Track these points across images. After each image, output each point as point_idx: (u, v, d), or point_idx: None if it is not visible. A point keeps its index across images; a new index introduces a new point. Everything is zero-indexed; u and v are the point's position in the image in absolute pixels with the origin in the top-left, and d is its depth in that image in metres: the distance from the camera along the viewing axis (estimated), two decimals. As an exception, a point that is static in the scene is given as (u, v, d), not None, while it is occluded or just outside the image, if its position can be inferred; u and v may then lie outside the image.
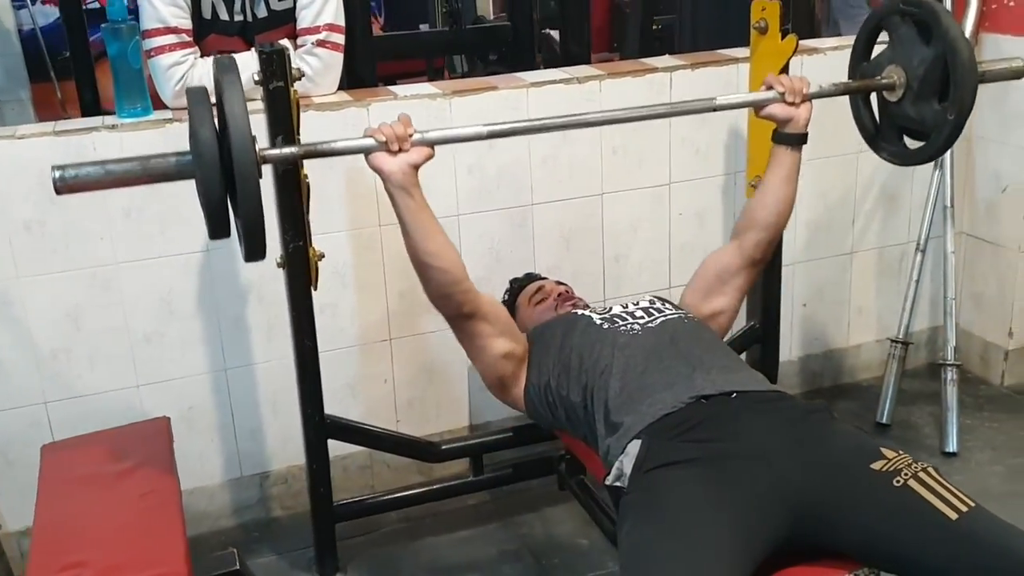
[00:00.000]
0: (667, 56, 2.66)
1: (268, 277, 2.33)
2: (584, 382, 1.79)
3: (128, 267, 2.23)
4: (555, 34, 3.20)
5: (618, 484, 1.56)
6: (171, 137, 2.17)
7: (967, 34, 2.80)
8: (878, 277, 3.03)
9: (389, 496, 2.34)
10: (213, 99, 1.43)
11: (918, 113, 1.85)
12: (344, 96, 2.34)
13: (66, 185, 1.39)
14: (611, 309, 1.96)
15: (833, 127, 2.72)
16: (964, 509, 1.43)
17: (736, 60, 2.62)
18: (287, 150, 1.64)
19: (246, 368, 2.40)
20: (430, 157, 1.68)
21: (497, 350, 1.89)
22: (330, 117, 2.28)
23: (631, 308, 1.94)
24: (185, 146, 1.44)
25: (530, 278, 2.30)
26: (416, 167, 1.67)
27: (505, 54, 3.94)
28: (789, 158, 1.92)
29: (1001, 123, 2.85)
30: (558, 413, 1.86)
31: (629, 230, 2.64)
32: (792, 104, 1.85)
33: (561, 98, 2.46)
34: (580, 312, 1.98)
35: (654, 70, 2.54)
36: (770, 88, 1.88)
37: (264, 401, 2.45)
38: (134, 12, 2.20)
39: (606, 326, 1.87)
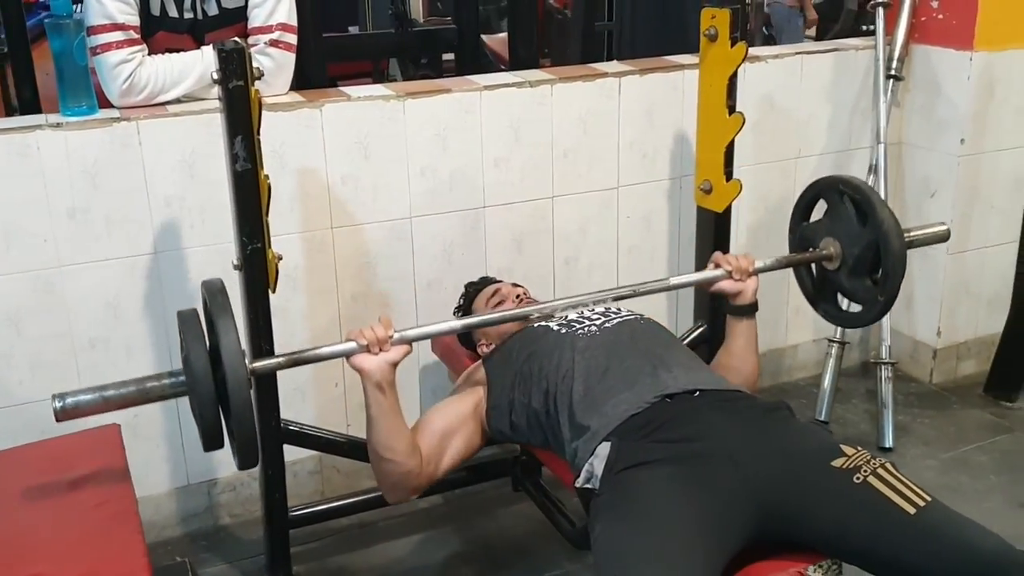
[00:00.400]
0: (615, 62, 2.70)
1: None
2: (545, 387, 1.81)
3: (72, 270, 2.17)
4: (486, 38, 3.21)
5: (589, 486, 1.58)
6: (119, 137, 2.12)
7: (898, 46, 2.91)
8: (814, 279, 3.11)
9: (345, 500, 2.32)
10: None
11: (852, 286, 2.00)
12: (296, 97, 2.32)
13: (65, 414, 1.50)
14: (567, 317, 1.98)
15: (772, 134, 2.81)
16: (921, 504, 1.49)
17: (682, 67, 2.68)
18: (273, 361, 1.69)
19: (194, 373, 2.35)
20: (408, 353, 1.73)
21: (459, 454, 1.91)
22: (283, 118, 2.25)
23: (587, 313, 1.97)
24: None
25: (485, 281, 2.30)
26: (395, 365, 1.70)
27: (434, 59, 3.96)
28: (745, 328, 2.00)
29: (929, 131, 2.96)
30: (519, 423, 1.87)
31: (579, 233, 2.67)
32: (739, 280, 1.94)
33: (513, 101, 2.48)
34: (537, 325, 1.99)
35: (604, 75, 2.57)
36: (718, 266, 1.97)
37: (212, 407, 2.39)
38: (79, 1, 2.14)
39: (563, 331, 1.89)
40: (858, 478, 1.52)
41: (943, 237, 2.12)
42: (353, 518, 2.42)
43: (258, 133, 1.82)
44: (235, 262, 1.95)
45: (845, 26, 5.36)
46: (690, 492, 1.49)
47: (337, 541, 2.41)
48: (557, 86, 2.51)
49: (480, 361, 2.04)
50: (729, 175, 2.36)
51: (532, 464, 2.33)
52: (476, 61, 2.95)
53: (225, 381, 1.46)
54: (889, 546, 1.47)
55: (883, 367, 2.84)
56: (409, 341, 1.73)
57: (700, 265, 2.56)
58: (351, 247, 2.43)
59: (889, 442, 2.76)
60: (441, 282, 2.54)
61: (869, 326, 2.95)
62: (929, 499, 1.50)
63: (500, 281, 2.31)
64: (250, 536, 2.41)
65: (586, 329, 1.87)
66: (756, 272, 1.99)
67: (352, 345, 1.70)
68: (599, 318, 1.92)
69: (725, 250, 2.48)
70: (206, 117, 2.18)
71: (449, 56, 4.26)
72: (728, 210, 2.42)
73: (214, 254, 2.25)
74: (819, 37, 5.45)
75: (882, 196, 2.92)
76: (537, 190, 2.57)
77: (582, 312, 1.97)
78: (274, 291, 2.00)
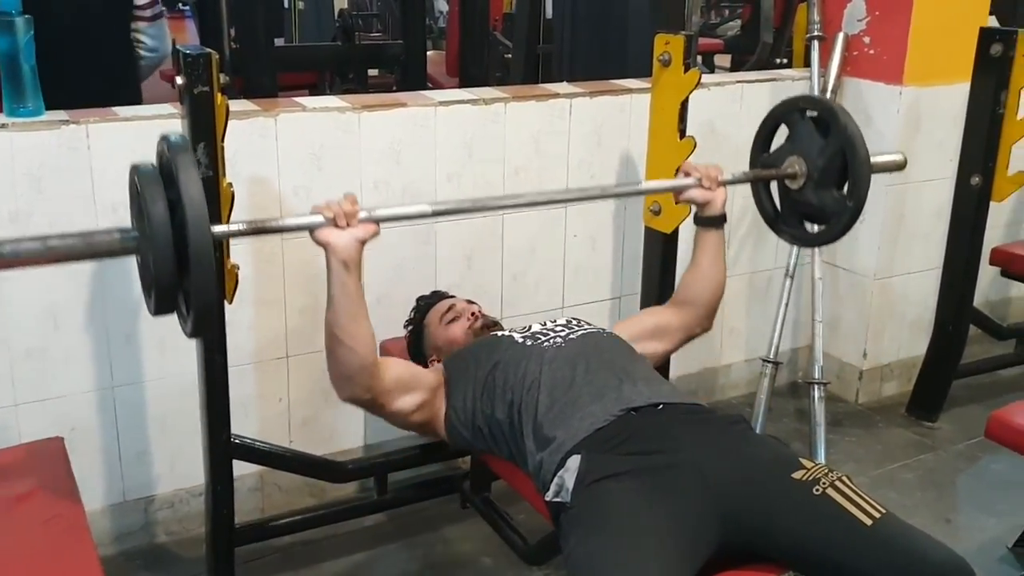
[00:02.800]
0: (566, 83, 2.74)
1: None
2: (510, 399, 1.81)
3: (10, 277, 2.08)
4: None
5: (559, 499, 1.59)
6: (66, 140, 2.05)
7: (832, 78, 3.03)
8: (748, 300, 3.20)
9: (293, 517, 2.28)
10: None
11: (819, 200, 1.99)
12: (250, 105, 2.28)
13: (4, 261, 1.33)
14: (530, 327, 1.99)
15: (712, 159, 2.84)
16: (877, 515, 1.54)
17: (630, 90, 2.73)
18: (234, 227, 1.58)
19: (135, 386, 2.28)
20: (376, 234, 1.67)
21: (404, 410, 1.87)
22: (237, 126, 2.19)
23: (550, 325, 1.99)
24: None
25: (438, 296, 2.30)
26: (362, 243, 1.65)
27: (361, 75, 3.94)
28: (714, 238, 2.05)
29: (860, 160, 3.08)
30: (482, 433, 1.87)
31: (527, 250, 2.69)
32: (708, 189, 1.96)
33: (468, 118, 2.49)
34: (501, 334, 2.00)
35: (556, 96, 2.61)
36: (687, 175, 1.99)
37: (153, 421, 2.33)
38: None
39: (529, 343, 1.90)
40: (817, 490, 1.57)
41: (900, 165, 2.10)
42: (296, 536, 2.38)
43: (222, 140, 1.79)
44: (191, 271, 1.90)
45: (761, 58, 5.54)
46: (660, 503, 1.51)
47: (281, 560, 2.35)
48: (511, 104, 2.54)
49: (439, 363, 2.03)
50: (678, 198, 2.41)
51: (481, 480, 2.33)
52: (424, 77, 2.95)
53: (185, 235, 1.31)
54: (846, 556, 1.52)
55: (815, 387, 2.93)
56: (377, 220, 1.65)
57: (646, 286, 2.63)
58: (301, 259, 2.39)
59: (821, 459, 2.84)
60: (391, 297, 2.51)
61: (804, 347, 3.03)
62: (884, 511, 1.55)
63: (453, 296, 2.31)
64: (188, 555, 2.34)
65: (551, 341, 1.89)
66: (724, 183, 2.00)
67: (319, 218, 1.61)
68: (563, 330, 1.94)
69: (672, 271, 2.55)
70: (159, 123, 2.13)
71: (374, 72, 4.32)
72: (676, 231, 2.47)
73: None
74: (734, 69, 5.60)
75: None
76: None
77: (545, 324, 1.99)
78: (230, 302, 1.96)
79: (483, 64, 2.76)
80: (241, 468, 2.31)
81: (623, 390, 1.73)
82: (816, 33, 3.05)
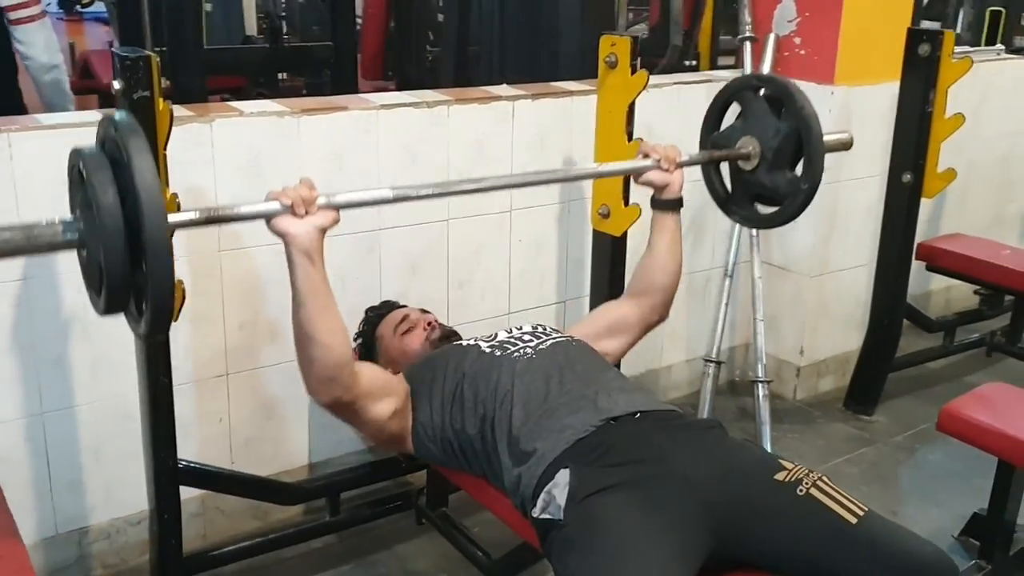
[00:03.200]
0: (506, 86, 2.69)
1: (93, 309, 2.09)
2: (482, 413, 1.75)
3: (-75, 299, 1.92)
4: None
5: (548, 516, 1.53)
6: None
7: (765, 78, 3.06)
8: (687, 301, 3.21)
9: (245, 543, 2.17)
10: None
11: (772, 181, 1.97)
12: (184, 111, 2.16)
13: None
14: (496, 336, 1.93)
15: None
16: (860, 513, 1.54)
17: (571, 93, 2.70)
18: (187, 216, 1.45)
19: (66, 411, 2.13)
20: (336, 221, 1.57)
21: (383, 416, 1.79)
22: (172, 133, 2.08)
23: (516, 333, 1.93)
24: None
25: (389, 306, 2.22)
26: (323, 231, 1.56)
27: (272, 80, 3.81)
28: (671, 222, 2.01)
29: (793, 160, 3.12)
30: (452, 448, 1.80)
31: (472, 257, 2.63)
32: (667, 171, 1.93)
33: (410, 121, 2.42)
34: (465, 343, 1.93)
35: (498, 98, 2.56)
36: (646, 156, 1.95)
37: (86, 448, 2.18)
38: None
39: (498, 353, 1.84)
40: (801, 490, 1.56)
41: (847, 144, 2.09)
42: (242, 563, 2.26)
43: (164, 148, 1.68)
44: (133, 288, 1.78)
45: (671, 62, 5.60)
46: (654, 515, 1.48)
47: (228, 587, 2.24)
48: (453, 107, 2.48)
49: (399, 374, 1.95)
50: (627, 200, 2.39)
51: (438, 495, 2.26)
52: (355, 79, 2.86)
53: (139, 224, 1.18)
54: (834, 556, 1.51)
55: (759, 385, 2.95)
56: (336, 207, 1.55)
57: (595, 288, 2.59)
58: (239, 272, 2.28)
59: (768, 457, 2.86)
60: (334, 308, 2.43)
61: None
62: (866, 509, 1.56)
63: (405, 306, 2.23)
64: (127, 589, 2.21)
65: (521, 351, 1.83)
66: (681, 165, 1.97)
67: (275, 205, 1.51)
68: (531, 339, 1.89)
69: (621, 274, 2.52)
70: (85, 131, 1.99)
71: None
72: (625, 234, 2.45)
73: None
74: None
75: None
76: (433, 213, 2.52)
77: (511, 332, 1.93)
78: (176, 320, 1.84)
79: (423, 64, 2.68)
80: (183, 493, 2.20)
81: (599, 400, 1.69)
82: (748, 34, 3.08)
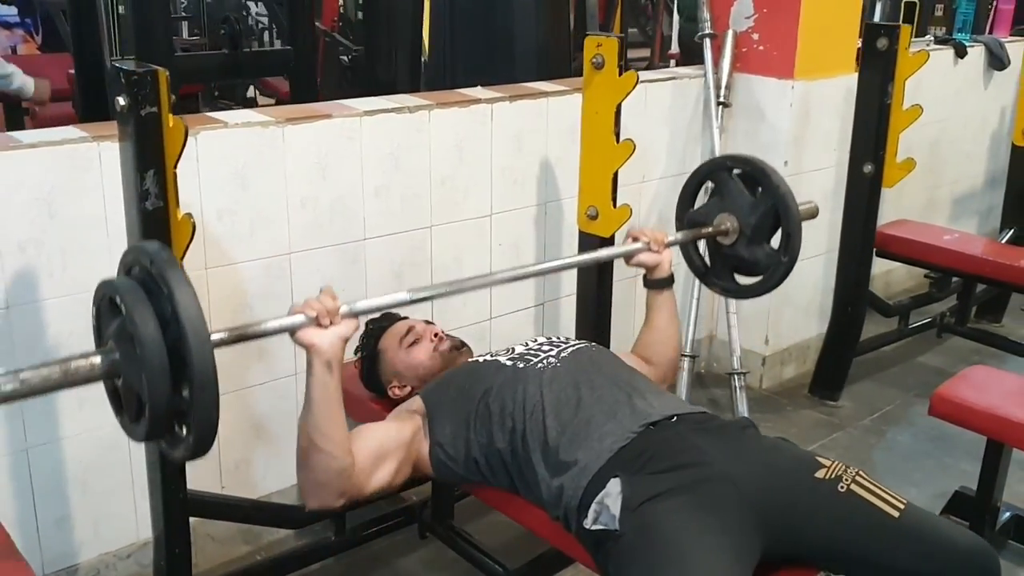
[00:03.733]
0: (482, 88, 2.65)
1: (79, 334, 1.98)
2: (511, 426, 1.72)
3: (-101, 334, 1.79)
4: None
5: (602, 526, 1.51)
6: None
7: (725, 75, 3.10)
8: (655, 297, 3.23)
9: (247, 570, 2.08)
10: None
11: (751, 255, 2.06)
12: (167, 123, 2.06)
13: None
14: (513, 349, 1.90)
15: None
16: (901, 507, 1.57)
17: (547, 94, 2.69)
18: (217, 336, 1.41)
19: (51, 445, 2.02)
20: (357, 328, 1.59)
21: (386, 482, 1.76)
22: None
23: (533, 345, 1.90)
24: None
25: (390, 318, 2.16)
26: (346, 341, 1.55)
27: (208, 89, 3.67)
28: (666, 299, 2.07)
29: (754, 154, 3.16)
30: (477, 465, 1.77)
31: (454, 263, 2.59)
32: (656, 252, 2.00)
33: (393, 127, 2.36)
34: (483, 359, 1.90)
35: (477, 101, 2.53)
36: (635, 240, 2.01)
37: (73, 481, 2.07)
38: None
39: (521, 365, 1.81)
40: (842, 487, 1.58)
41: (813, 213, 2.16)
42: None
43: (175, 166, 1.60)
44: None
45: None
46: (708, 519, 1.48)
47: (229, 617, 2.15)
48: (434, 112, 2.43)
49: (415, 396, 1.90)
50: (615, 201, 2.39)
51: (444, 507, 2.22)
52: (315, 84, 2.78)
53: (182, 354, 1.19)
54: (879, 550, 1.54)
55: (736, 377, 3.00)
56: (357, 314, 1.57)
57: (581, 292, 2.59)
58: (227, 288, 2.20)
59: (747, 448, 2.91)
60: (321, 321, 2.36)
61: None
62: (905, 502, 1.59)
63: (406, 318, 2.18)
64: (121, 627, 2.11)
65: (544, 361, 1.81)
66: (669, 244, 2.05)
67: (300, 318, 1.51)
68: (550, 348, 1.86)
69: (609, 276, 2.52)
70: (67, 149, 1.89)
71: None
72: (613, 235, 2.45)
73: (78, 305, 1.95)
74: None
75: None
76: (416, 220, 2.47)
77: (528, 345, 1.90)
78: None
79: (393, 69, 2.62)
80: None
81: (635, 405, 1.68)
82: (707, 31, 3.11)
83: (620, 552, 1.48)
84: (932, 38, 4.11)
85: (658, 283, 2.05)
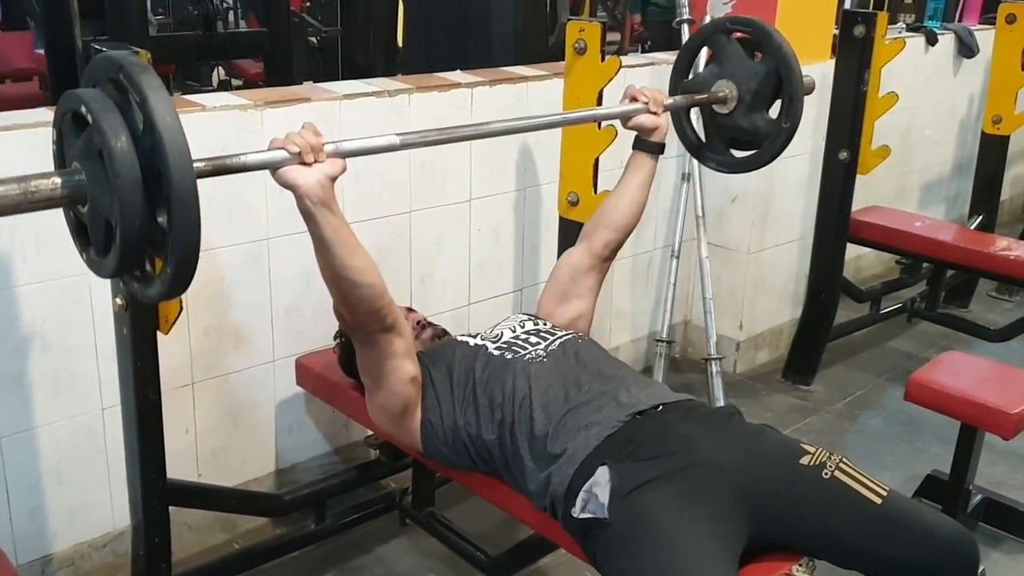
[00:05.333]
0: (462, 71, 2.63)
1: (54, 322, 1.96)
2: (500, 418, 1.71)
3: None
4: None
5: (591, 514, 1.51)
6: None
7: (702, 61, 3.09)
8: (632, 282, 3.24)
9: (226, 558, 2.07)
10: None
11: (750, 124, 1.98)
12: (142, 106, 2.01)
13: None
14: (501, 335, 1.89)
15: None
16: (884, 493, 1.58)
17: (527, 78, 2.67)
18: (196, 165, 1.24)
19: (25, 434, 1.98)
20: (344, 170, 1.49)
21: (407, 372, 1.75)
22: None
23: (521, 333, 1.89)
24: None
25: (370, 304, 2.14)
26: (333, 180, 1.47)
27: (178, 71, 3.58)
28: (649, 165, 2.01)
29: (730, 140, 3.18)
30: (467, 452, 1.76)
31: (434, 248, 2.57)
32: (655, 114, 1.93)
33: (373, 110, 2.34)
34: (472, 343, 1.88)
35: (458, 85, 2.50)
36: (634, 100, 1.94)
37: (47, 471, 2.03)
38: None
39: (509, 356, 1.80)
40: (826, 474, 1.59)
41: (811, 87, 2.05)
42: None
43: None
44: (120, 301, 1.66)
45: (559, 39, 5.60)
46: (697, 506, 1.48)
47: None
48: (414, 96, 2.40)
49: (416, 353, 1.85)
50: (596, 187, 2.39)
51: (424, 494, 2.21)
52: (291, 67, 2.74)
53: (161, 169, 1.08)
54: (863, 538, 1.55)
55: (712, 362, 3.01)
56: (344, 155, 1.47)
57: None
58: (203, 275, 2.10)
59: (723, 433, 2.93)
60: (299, 308, 2.34)
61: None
62: (888, 489, 1.60)
63: (387, 303, 2.15)
64: (98, 616, 2.08)
65: (532, 353, 1.79)
66: (667, 108, 1.97)
67: (283, 154, 1.41)
68: (537, 340, 1.85)
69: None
70: (42, 131, 1.84)
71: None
72: (593, 220, 2.44)
73: (54, 291, 1.92)
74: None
75: (697, 203, 3.12)
76: (396, 205, 2.45)
77: (516, 332, 1.89)
78: (166, 333, 1.73)
79: (371, 52, 2.58)
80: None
81: (620, 396, 1.68)
82: (685, 16, 3.11)
83: (609, 540, 1.48)
84: (903, 26, 4.14)
85: (649, 146, 1.98)
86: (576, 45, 2.29)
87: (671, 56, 3.15)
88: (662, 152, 2.02)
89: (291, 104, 2.20)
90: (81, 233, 1.21)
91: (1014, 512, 2.43)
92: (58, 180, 1.13)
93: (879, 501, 1.57)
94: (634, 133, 2.01)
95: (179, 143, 1.10)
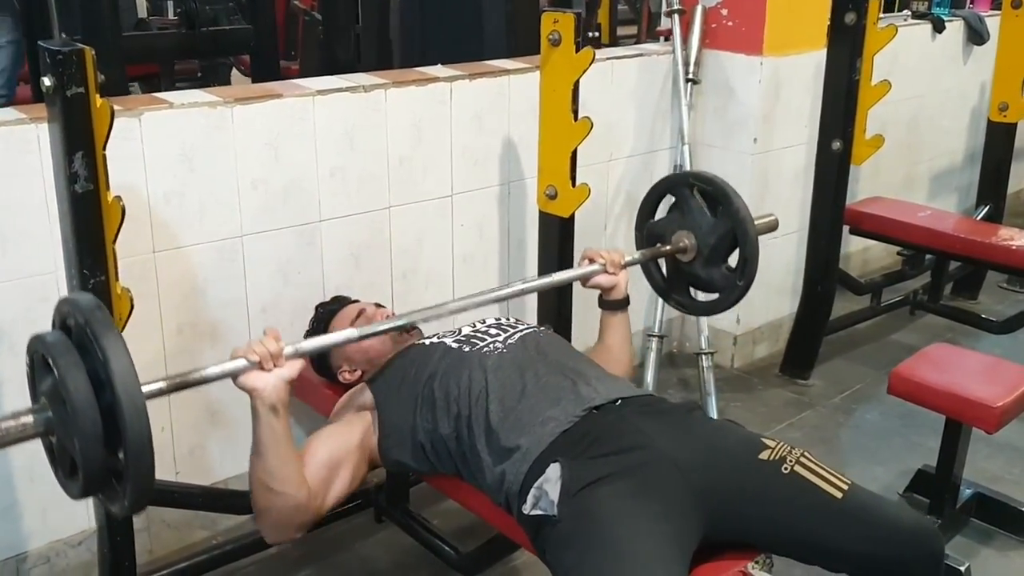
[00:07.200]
0: (442, 66, 2.61)
1: (22, 321, 1.96)
2: (456, 411, 1.69)
3: None
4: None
5: (541, 512, 1.49)
6: None
7: (694, 51, 3.06)
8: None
9: (198, 557, 2.06)
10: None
11: (708, 275, 2.05)
12: (109, 104, 2.02)
13: None
14: (460, 330, 1.87)
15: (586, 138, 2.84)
16: (844, 487, 1.55)
17: (507, 71, 2.65)
18: (154, 387, 1.39)
19: (-4, 433, 1.99)
20: (303, 368, 1.56)
21: (344, 490, 1.74)
22: (98, 129, 1.95)
23: (481, 327, 1.87)
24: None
25: (341, 302, 2.14)
26: (290, 383, 1.52)
27: (167, 68, 3.57)
28: (621, 321, 2.04)
29: (723, 132, 3.14)
30: (423, 451, 1.74)
31: (415, 244, 2.56)
32: (612, 274, 1.96)
33: (348, 106, 2.33)
34: (428, 342, 1.86)
35: (436, 80, 2.49)
36: (591, 261, 1.97)
37: (18, 470, 2.05)
38: None
39: (467, 349, 1.79)
40: (786, 468, 1.56)
41: (773, 226, 2.19)
42: None
43: (104, 148, 1.56)
44: (74, 299, 1.65)
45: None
46: (648, 503, 1.45)
47: (184, 604, 2.13)
48: (391, 91, 2.39)
49: (363, 384, 1.88)
50: (574, 180, 2.36)
51: (398, 491, 2.20)
52: (277, 63, 2.74)
53: (115, 409, 1.18)
54: (823, 533, 1.52)
55: (703, 356, 2.97)
56: (304, 355, 1.55)
57: (543, 270, 2.56)
58: (176, 273, 2.16)
59: (715, 428, 2.89)
60: (277, 305, 2.33)
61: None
62: (849, 483, 1.57)
63: (357, 301, 2.15)
64: (73, 614, 2.09)
65: (491, 346, 1.78)
66: (625, 265, 2.01)
67: (242, 363, 1.50)
68: (498, 332, 1.83)
69: (570, 255, 2.49)
70: (4, 131, 1.85)
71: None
72: (573, 215, 2.42)
73: (17, 291, 1.93)
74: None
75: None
76: (374, 201, 2.44)
77: (475, 327, 1.88)
78: (122, 330, 1.72)
79: (349, 48, 2.57)
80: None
81: (579, 390, 1.66)
82: (675, 7, 3.06)
83: (557, 538, 1.46)
84: (910, 12, 4.06)
85: (614, 304, 2.02)
86: (551, 36, 2.26)
87: (660, 47, 3.13)
88: (627, 305, 2.04)
89: (262, 100, 2.19)
90: (52, 453, 1.31)
91: (1006, 507, 2.38)
92: (29, 420, 1.24)
93: (840, 495, 1.54)
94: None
95: (135, 401, 1.18)
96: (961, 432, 2.21)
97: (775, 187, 3.22)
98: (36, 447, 2.01)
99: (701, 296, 2.16)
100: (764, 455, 1.58)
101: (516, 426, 1.62)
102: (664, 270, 2.18)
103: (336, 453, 1.75)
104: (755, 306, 3.32)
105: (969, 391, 2.11)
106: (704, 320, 3.03)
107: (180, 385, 1.44)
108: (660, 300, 3.09)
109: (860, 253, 4.08)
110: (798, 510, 1.53)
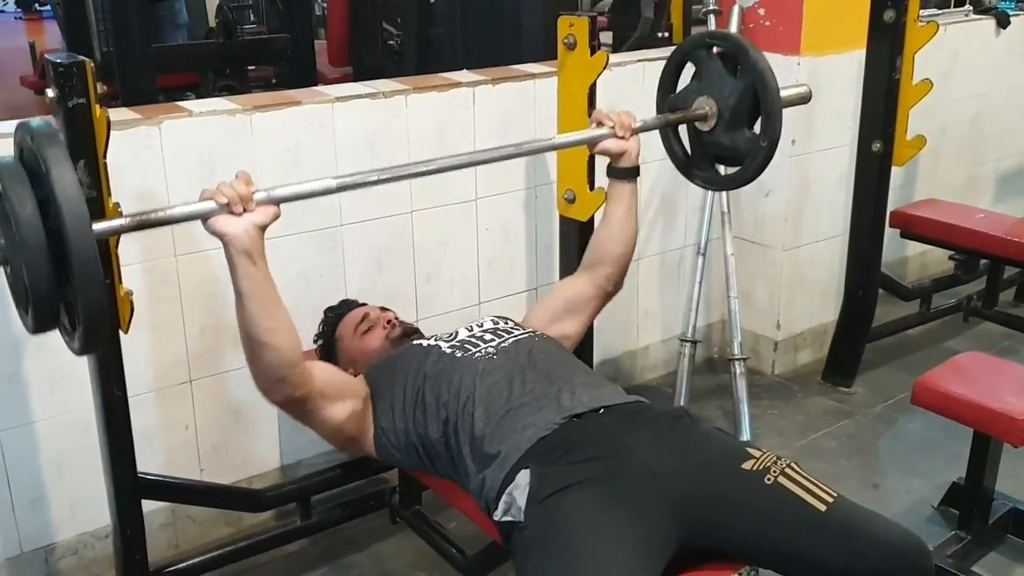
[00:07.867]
0: (466, 71, 2.63)
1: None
2: (444, 416, 1.70)
3: None
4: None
5: (509, 518, 1.49)
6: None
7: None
8: (660, 280, 3.17)
9: (211, 553, 2.12)
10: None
11: (731, 141, 1.92)
12: (130, 114, 2.10)
13: None
14: (456, 334, 1.89)
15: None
16: (830, 500, 1.51)
17: (533, 75, 2.65)
18: (116, 223, 1.38)
19: (24, 428, 2.08)
20: (277, 216, 1.51)
21: (338, 418, 1.74)
22: (117, 137, 1.98)
23: (477, 332, 1.88)
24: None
25: (347, 306, 2.17)
26: (263, 228, 1.49)
27: (240, 72, 3.67)
28: (627, 191, 1.96)
29: (762, 133, 3.08)
30: (417, 452, 1.76)
31: (439, 248, 2.58)
32: (622, 138, 1.88)
33: (368, 113, 2.36)
34: (425, 344, 1.88)
35: (458, 85, 2.50)
36: (600, 124, 1.89)
37: (47, 464, 2.14)
38: None
39: (459, 354, 1.79)
40: (769, 479, 1.52)
41: (806, 97, 2.04)
42: (216, 572, 2.22)
43: (104, 156, 1.63)
44: (80, 302, 1.72)
45: (643, 34, 5.49)
46: (617, 511, 1.44)
47: (201, 598, 2.20)
48: (411, 96, 2.42)
49: (360, 376, 1.90)
50: (592, 184, 2.35)
51: (411, 493, 2.23)
52: (313, 70, 2.79)
53: (63, 237, 1.13)
54: (804, 545, 1.48)
55: (735, 363, 2.92)
56: (276, 201, 1.49)
57: (563, 275, 2.54)
58: (198, 276, 2.23)
59: (747, 435, 2.84)
60: (298, 307, 2.33)
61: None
62: (835, 495, 1.52)
63: (364, 304, 2.18)
64: (98, 604, 2.17)
65: (483, 352, 1.78)
66: (636, 131, 1.91)
67: (211, 204, 1.44)
68: (492, 338, 1.84)
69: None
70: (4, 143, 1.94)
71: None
72: (592, 219, 2.40)
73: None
74: (616, 46, 5.55)
75: (722, 199, 3.04)
76: (395, 205, 2.47)
77: (472, 330, 1.88)
78: (126, 331, 1.79)
79: (376, 53, 2.61)
80: (150, 504, 2.15)
81: (562, 398, 1.65)
82: (712, 7, 3.03)
83: (523, 544, 1.46)
84: (971, 7, 3.91)
85: (621, 172, 1.93)
86: (566, 40, 2.26)
87: (664, 52, 3.08)
88: (636, 176, 1.96)
89: (281, 108, 2.24)
90: (13, 290, 1.28)
91: (1043, 525, 2.27)
92: None
93: (824, 508, 1.49)
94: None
95: (77, 211, 1.15)
96: (990, 445, 2.13)
97: (816, 190, 3.14)
98: (63, 439, 2.12)
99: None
100: (748, 465, 1.54)
101: (498, 433, 1.62)
102: (687, 145, 2.06)
103: (347, 388, 1.77)
104: (797, 311, 3.25)
105: (996, 402, 2.02)
106: (737, 325, 2.97)
107: (143, 223, 1.39)
108: (695, 305, 3.06)
109: (918, 257, 3.95)
110: (779, 522, 1.50)
